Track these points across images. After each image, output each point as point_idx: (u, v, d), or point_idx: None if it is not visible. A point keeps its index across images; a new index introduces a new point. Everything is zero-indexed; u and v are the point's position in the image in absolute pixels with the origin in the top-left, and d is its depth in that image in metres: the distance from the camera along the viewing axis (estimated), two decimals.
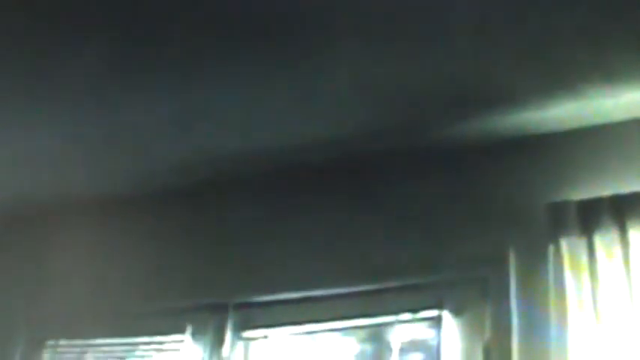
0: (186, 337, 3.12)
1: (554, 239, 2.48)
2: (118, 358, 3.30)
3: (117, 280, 3.36)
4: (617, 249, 2.38)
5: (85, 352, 3.38)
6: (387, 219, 2.91)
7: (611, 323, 2.27)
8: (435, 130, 2.82)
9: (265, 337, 3.00)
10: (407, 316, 2.79)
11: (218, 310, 3.10)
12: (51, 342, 3.47)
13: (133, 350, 3.28)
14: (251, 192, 3.22)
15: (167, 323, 3.20)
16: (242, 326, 3.06)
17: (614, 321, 2.27)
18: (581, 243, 2.43)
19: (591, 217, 2.45)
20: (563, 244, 2.45)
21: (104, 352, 3.34)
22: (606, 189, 2.46)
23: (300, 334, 2.97)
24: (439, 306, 2.72)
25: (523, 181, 2.70)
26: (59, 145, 3.07)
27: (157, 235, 3.38)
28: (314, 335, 2.95)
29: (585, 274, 2.39)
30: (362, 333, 2.87)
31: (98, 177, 3.28)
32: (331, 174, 3.09)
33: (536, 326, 2.45)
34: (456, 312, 2.69)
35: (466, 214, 2.77)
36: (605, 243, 2.40)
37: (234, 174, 3.16)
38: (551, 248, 2.48)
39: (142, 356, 3.25)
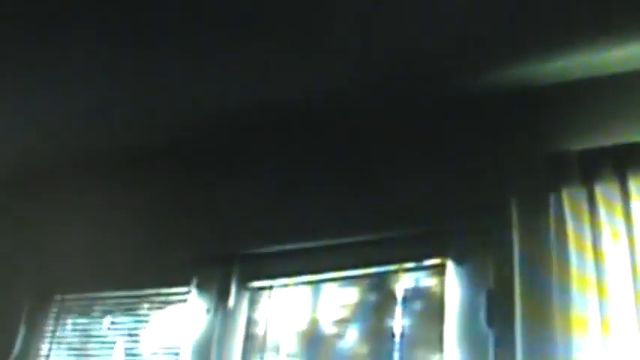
0: (192, 288, 3.17)
1: (556, 189, 2.53)
2: (124, 310, 3.35)
3: (123, 233, 3.39)
4: (618, 199, 2.44)
5: (92, 306, 3.43)
6: (390, 169, 2.94)
7: (612, 270, 2.35)
8: (436, 82, 2.83)
9: (270, 287, 3.05)
10: (410, 264, 2.84)
11: (223, 262, 3.15)
12: (58, 296, 3.52)
13: (140, 302, 3.32)
14: (255, 145, 3.23)
15: (173, 275, 3.25)
16: (247, 277, 3.10)
17: (615, 268, 2.35)
18: (581, 193, 2.49)
19: (592, 167, 2.50)
20: (564, 193, 2.51)
21: (111, 305, 3.39)
22: (607, 139, 2.50)
23: (304, 284, 3.02)
24: (442, 255, 2.79)
25: (524, 132, 2.73)
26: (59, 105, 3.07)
27: (163, 188, 3.40)
28: (318, 285, 2.99)
29: (586, 224, 2.45)
30: (366, 282, 2.91)
31: (101, 132, 3.27)
32: (331, 126, 3.11)
33: (538, 274, 2.51)
34: (459, 260, 2.75)
35: (468, 165, 2.81)
36: (606, 193, 2.46)
37: (238, 127, 3.17)
38: (552, 198, 2.53)
39: (149, 308, 3.29)
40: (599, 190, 2.47)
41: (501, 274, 2.61)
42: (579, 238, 2.43)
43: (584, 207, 2.47)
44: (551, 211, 2.52)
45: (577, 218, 2.46)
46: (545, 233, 2.52)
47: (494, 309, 2.59)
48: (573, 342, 2.30)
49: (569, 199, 2.49)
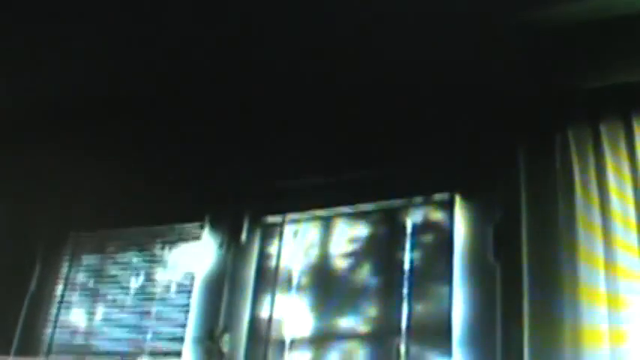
0: (205, 225, 3.23)
1: (562, 127, 2.56)
2: (138, 246, 3.41)
3: (136, 172, 3.43)
4: (622, 137, 2.47)
5: (106, 244, 3.50)
6: (401, 106, 2.94)
7: (616, 207, 2.39)
8: None
9: (282, 223, 3.11)
10: (419, 199, 2.90)
11: (236, 198, 3.19)
12: (73, 233, 3.58)
13: (154, 238, 3.37)
14: (268, 81, 3.21)
15: (186, 212, 3.31)
16: (259, 213, 3.16)
17: (619, 205, 2.39)
18: (587, 131, 2.51)
19: (597, 105, 2.53)
20: (570, 132, 2.54)
21: (125, 241, 3.45)
22: (613, 79, 2.51)
23: (315, 219, 3.08)
24: (451, 190, 2.84)
25: (532, 70, 2.73)
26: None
27: (175, 126, 3.42)
28: (329, 220, 3.05)
29: (591, 161, 2.49)
30: (376, 217, 2.97)
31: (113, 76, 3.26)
32: None
33: (544, 209, 2.57)
34: (467, 196, 2.81)
35: (476, 104, 2.82)
36: (611, 131, 2.48)
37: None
38: (558, 136, 2.56)
39: (162, 244, 3.34)
40: (604, 129, 2.50)
41: (508, 208, 2.67)
42: (584, 175, 2.47)
43: (589, 145, 2.50)
44: (557, 148, 2.55)
45: (582, 156, 2.50)
46: (551, 170, 2.58)
47: (501, 243, 2.65)
48: (580, 275, 2.37)
49: (575, 138, 2.53)
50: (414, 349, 2.65)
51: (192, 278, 3.16)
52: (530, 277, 2.54)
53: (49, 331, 3.39)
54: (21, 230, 3.60)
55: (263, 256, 3.09)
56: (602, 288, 2.34)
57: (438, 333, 2.63)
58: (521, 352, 2.44)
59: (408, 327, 2.70)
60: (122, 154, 3.48)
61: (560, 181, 2.51)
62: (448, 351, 2.59)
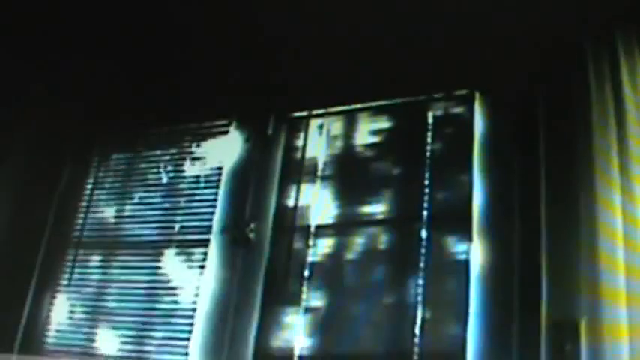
0: (233, 120, 3.32)
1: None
2: (167, 143, 3.49)
3: (165, 69, 3.51)
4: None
5: (136, 140, 3.59)
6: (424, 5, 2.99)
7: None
8: None
9: (308, 117, 3.19)
10: (441, 94, 2.98)
11: (262, 94, 3.28)
12: (102, 133, 3.67)
13: (183, 136, 3.46)
14: None
15: (214, 108, 3.40)
16: (286, 107, 3.24)
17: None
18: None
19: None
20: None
21: (154, 139, 3.55)
22: None
23: (341, 113, 3.16)
24: (471, 85, 2.92)
25: None
26: None
27: (203, 23, 3.37)
28: (354, 113, 3.14)
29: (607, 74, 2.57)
30: (399, 110, 3.05)
31: None
32: None
33: (560, 104, 2.67)
34: (487, 91, 2.89)
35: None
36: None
37: None
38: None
39: (191, 141, 3.44)
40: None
41: (525, 105, 2.75)
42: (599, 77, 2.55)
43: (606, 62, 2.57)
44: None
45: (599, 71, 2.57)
46: (570, 72, 2.65)
47: (519, 139, 2.74)
48: (595, 162, 2.46)
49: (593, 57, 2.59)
50: (434, 235, 2.76)
51: (220, 172, 3.27)
52: (546, 166, 2.64)
53: (78, 226, 3.52)
54: (51, 131, 3.67)
55: (289, 149, 3.19)
56: (615, 174, 2.43)
57: (458, 219, 2.73)
58: (538, 237, 2.54)
59: (429, 214, 2.80)
60: (151, 52, 3.53)
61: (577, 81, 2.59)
62: (468, 236, 2.69)
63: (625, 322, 2.25)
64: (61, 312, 3.34)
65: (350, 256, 2.87)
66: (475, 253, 2.66)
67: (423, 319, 2.64)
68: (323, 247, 2.93)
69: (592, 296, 2.32)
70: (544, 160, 2.66)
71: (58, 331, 3.32)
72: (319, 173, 3.08)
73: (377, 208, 2.91)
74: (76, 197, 3.59)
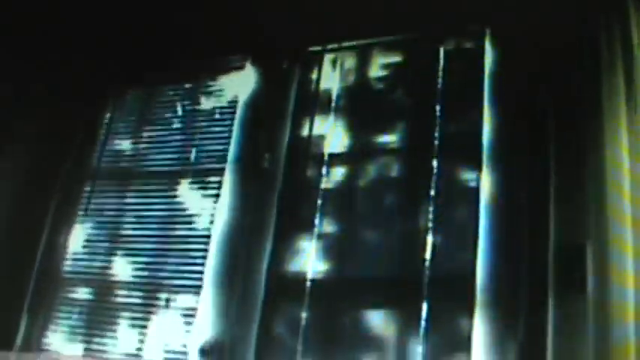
0: (248, 55, 3.38)
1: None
2: (184, 78, 3.55)
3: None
4: None
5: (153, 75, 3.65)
6: None
7: None
8: None
9: (321, 51, 3.24)
10: (453, 29, 3.02)
11: (278, 28, 3.31)
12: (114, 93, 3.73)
13: (199, 71, 3.51)
14: None
15: (230, 43, 3.45)
16: (300, 41, 3.29)
17: None
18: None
19: None
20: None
21: (172, 73, 3.60)
22: None
23: (354, 48, 3.21)
24: (482, 22, 2.96)
25: None
26: None
27: None
28: (367, 48, 3.19)
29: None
30: (410, 45, 3.11)
31: None
32: None
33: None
34: (498, 29, 2.93)
35: None
36: None
37: None
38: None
39: (207, 76, 3.49)
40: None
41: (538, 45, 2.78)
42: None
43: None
44: None
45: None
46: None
47: (530, 72, 2.79)
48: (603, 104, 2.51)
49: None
50: (445, 164, 2.82)
51: (235, 104, 3.32)
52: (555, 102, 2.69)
53: (95, 157, 3.59)
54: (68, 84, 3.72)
55: (303, 81, 3.24)
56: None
57: (468, 149, 2.79)
58: (547, 168, 2.61)
59: (440, 144, 2.86)
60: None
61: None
62: (478, 165, 2.75)
63: (631, 244, 2.32)
64: (78, 241, 3.42)
65: (362, 184, 2.93)
66: (485, 181, 2.71)
67: (434, 245, 2.71)
68: (336, 175, 2.99)
69: (599, 220, 2.38)
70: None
71: (74, 259, 3.40)
72: (333, 105, 3.13)
73: (389, 138, 2.96)
74: (95, 131, 3.65)
